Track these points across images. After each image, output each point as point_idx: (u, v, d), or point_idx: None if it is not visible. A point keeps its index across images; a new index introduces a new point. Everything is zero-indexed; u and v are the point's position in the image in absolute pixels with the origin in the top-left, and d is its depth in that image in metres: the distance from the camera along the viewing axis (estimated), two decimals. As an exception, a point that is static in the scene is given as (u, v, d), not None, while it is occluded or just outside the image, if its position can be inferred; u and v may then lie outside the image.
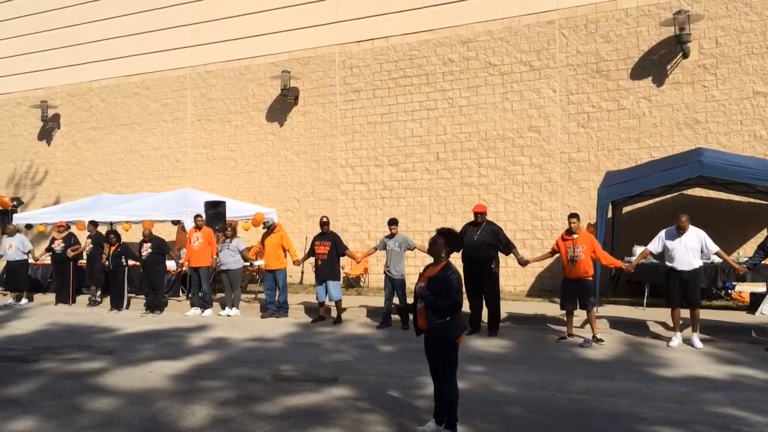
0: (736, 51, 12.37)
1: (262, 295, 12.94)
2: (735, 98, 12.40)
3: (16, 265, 15.02)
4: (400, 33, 15.42)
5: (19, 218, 16.54)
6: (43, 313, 13.37)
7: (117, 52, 19.20)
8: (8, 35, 21.17)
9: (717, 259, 9.86)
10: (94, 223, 14.42)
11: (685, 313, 8.98)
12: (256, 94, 17.23)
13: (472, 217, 10.37)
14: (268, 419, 5.80)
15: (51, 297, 15.06)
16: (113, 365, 8.10)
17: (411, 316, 5.75)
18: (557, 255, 9.71)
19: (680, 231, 8.93)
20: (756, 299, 10.84)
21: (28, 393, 6.87)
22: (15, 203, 17.51)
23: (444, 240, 5.39)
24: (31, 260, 15.39)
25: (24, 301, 15.05)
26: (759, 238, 10.13)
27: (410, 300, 6.72)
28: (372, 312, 11.83)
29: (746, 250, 12.06)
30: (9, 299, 15.04)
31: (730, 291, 11.39)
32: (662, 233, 9.16)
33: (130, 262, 13.48)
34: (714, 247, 8.97)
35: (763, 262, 9.31)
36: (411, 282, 12.12)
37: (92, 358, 8.55)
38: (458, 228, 10.28)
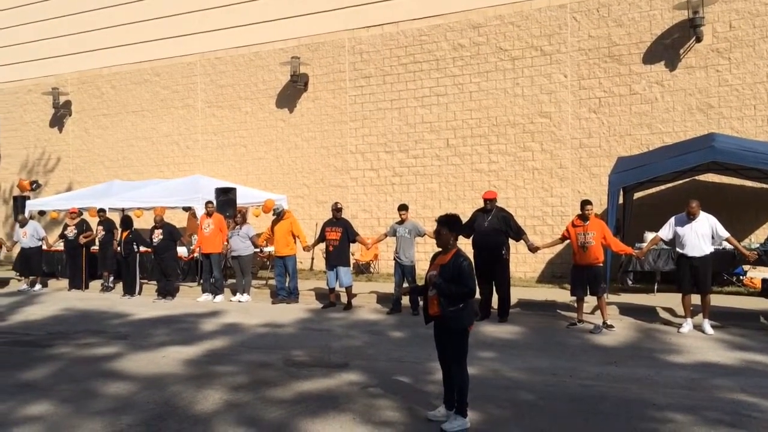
0: (750, 35, 12.22)
1: (272, 281, 13.02)
2: (748, 83, 12.26)
3: (30, 252, 15.25)
4: (409, 18, 15.33)
5: (32, 205, 16.69)
6: (56, 298, 13.53)
7: (127, 38, 19.25)
8: (19, 22, 21.25)
9: (729, 245, 9.81)
10: (103, 211, 14.57)
11: (696, 299, 8.96)
12: (266, 80, 17.23)
13: (482, 204, 10.35)
14: (280, 404, 5.86)
15: (64, 283, 15.23)
16: (127, 350, 8.20)
17: (421, 303, 5.75)
18: (567, 241, 9.70)
19: (690, 217, 8.88)
20: (768, 285, 10.79)
21: (43, 377, 6.97)
22: (34, 186, 17.65)
23: (447, 229, 5.39)
24: (44, 247, 15.57)
25: (38, 286, 15.27)
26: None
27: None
28: (382, 298, 11.88)
29: (758, 236, 12.00)
30: (23, 285, 15.24)
31: (741, 277, 11.33)
32: (672, 219, 9.12)
33: (142, 249, 13.59)
34: (724, 233, 8.92)
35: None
36: (421, 268, 12.20)
37: (106, 343, 8.66)
38: (468, 215, 10.30)
